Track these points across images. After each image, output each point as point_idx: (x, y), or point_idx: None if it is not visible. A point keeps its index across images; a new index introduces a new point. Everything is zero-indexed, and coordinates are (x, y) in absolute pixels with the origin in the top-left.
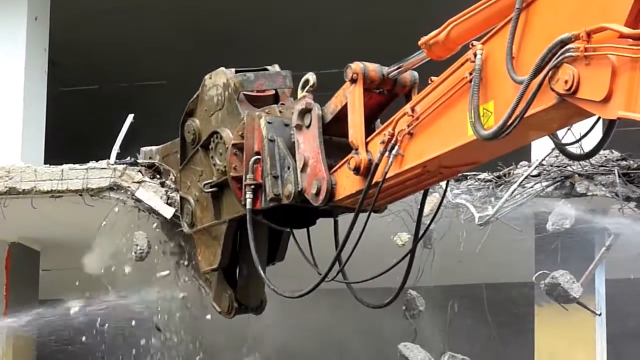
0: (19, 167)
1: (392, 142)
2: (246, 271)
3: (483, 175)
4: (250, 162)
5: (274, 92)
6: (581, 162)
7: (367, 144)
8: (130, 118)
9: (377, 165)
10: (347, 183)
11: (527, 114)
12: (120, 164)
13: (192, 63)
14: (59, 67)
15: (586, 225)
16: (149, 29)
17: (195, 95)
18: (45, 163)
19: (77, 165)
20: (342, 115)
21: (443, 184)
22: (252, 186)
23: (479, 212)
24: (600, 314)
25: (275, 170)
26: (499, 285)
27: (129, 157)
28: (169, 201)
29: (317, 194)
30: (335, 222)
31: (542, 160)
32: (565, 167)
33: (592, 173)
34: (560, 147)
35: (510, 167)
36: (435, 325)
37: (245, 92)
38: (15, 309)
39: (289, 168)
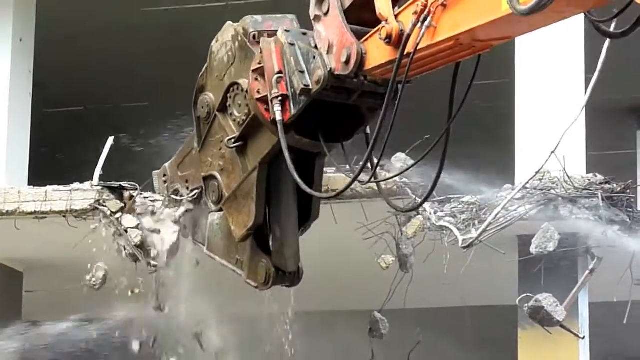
0: (3, 188)
1: (425, 13)
2: (279, 232)
3: (467, 198)
4: (274, 80)
5: None
6: (564, 186)
7: (397, 15)
8: (110, 140)
9: (408, 36)
10: (377, 54)
11: None
12: (103, 186)
13: (176, 84)
14: (44, 88)
15: (570, 248)
16: (133, 51)
17: (203, 69)
18: (29, 184)
19: (61, 187)
20: (360, 1)
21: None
22: (279, 98)
23: (463, 235)
24: (583, 337)
25: (300, 65)
26: (483, 308)
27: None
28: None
29: (347, 61)
30: (362, 118)
31: (526, 183)
32: (548, 190)
33: (576, 196)
34: (596, 24)
35: (494, 190)
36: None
37: (254, 33)
38: None
39: (314, 58)
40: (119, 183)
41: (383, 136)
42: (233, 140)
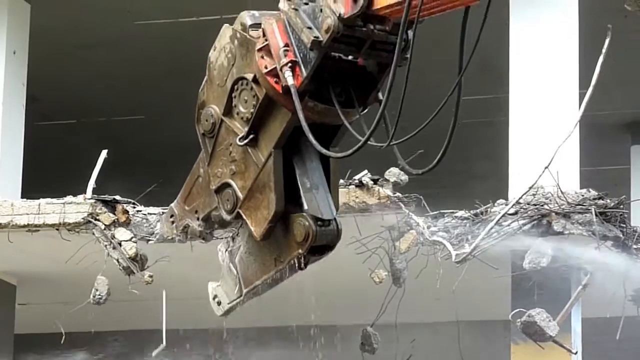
0: None
1: None
2: (309, 182)
3: (460, 213)
4: (280, 52)
5: None
6: (558, 201)
7: None
8: (104, 153)
9: None
10: None
11: None
12: (97, 199)
13: (171, 98)
14: (37, 101)
15: (563, 263)
16: (127, 64)
17: (203, 83)
18: (22, 197)
19: (54, 200)
20: None
21: (421, 221)
22: (289, 65)
23: (456, 250)
24: (576, 353)
25: (307, 23)
26: (475, 323)
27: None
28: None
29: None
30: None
31: (520, 198)
32: (542, 205)
33: (569, 212)
34: None
35: (488, 205)
36: None
37: (253, 25)
38: None
39: (320, 11)
40: (112, 196)
41: (396, 96)
42: (244, 137)
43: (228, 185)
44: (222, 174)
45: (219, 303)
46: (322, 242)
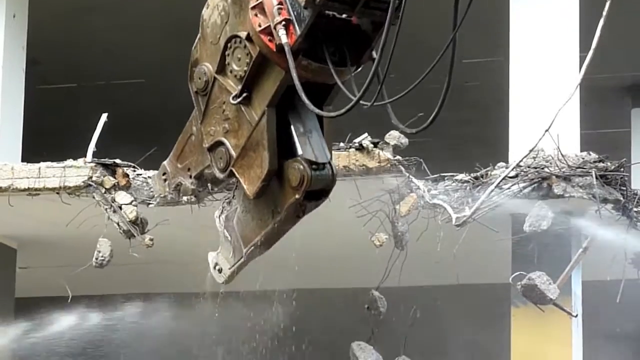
0: None
1: None
2: (302, 127)
3: (460, 176)
4: (274, 10)
5: None
6: (558, 164)
7: None
8: (104, 117)
9: None
10: None
11: None
12: (97, 162)
13: (171, 62)
14: (37, 64)
15: (563, 227)
16: (128, 28)
17: (196, 41)
18: (22, 161)
19: (54, 164)
20: None
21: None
22: (283, 23)
23: (456, 213)
24: (576, 316)
25: None
26: (476, 286)
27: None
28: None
29: None
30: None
31: (520, 161)
32: (542, 168)
33: (570, 175)
34: None
35: (488, 169)
36: (398, 327)
37: None
38: None
39: None
40: (112, 160)
41: (385, 56)
42: (237, 95)
43: (221, 143)
44: (215, 132)
45: (220, 270)
46: (318, 187)
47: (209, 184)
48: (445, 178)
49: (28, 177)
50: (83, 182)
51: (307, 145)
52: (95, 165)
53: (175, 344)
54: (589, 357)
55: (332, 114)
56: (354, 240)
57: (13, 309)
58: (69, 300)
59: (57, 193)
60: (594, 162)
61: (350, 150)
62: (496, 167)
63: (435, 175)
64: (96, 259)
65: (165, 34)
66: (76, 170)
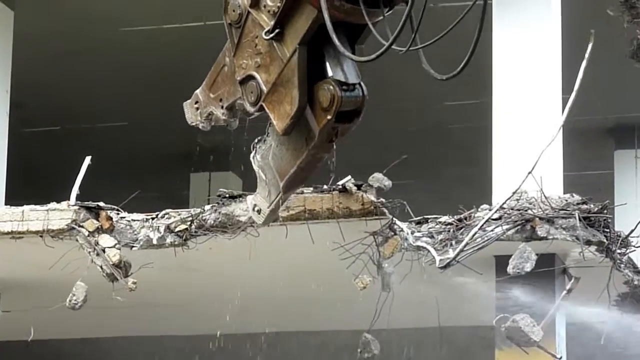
0: None
1: None
2: (332, 50)
3: (444, 219)
4: None
5: None
6: (541, 206)
7: None
8: (87, 160)
9: None
10: None
11: None
12: (80, 205)
13: (155, 104)
14: (21, 108)
15: (547, 269)
16: (111, 71)
17: None
18: (6, 204)
19: (37, 207)
20: None
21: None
22: None
23: (440, 255)
24: (560, 358)
25: None
26: (460, 329)
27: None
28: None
29: None
30: None
31: (503, 203)
32: (525, 210)
33: (553, 217)
34: None
35: (471, 211)
36: None
37: None
38: None
39: None
40: (96, 203)
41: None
42: (269, 30)
43: (252, 77)
44: (247, 65)
45: (258, 212)
46: (349, 107)
47: (239, 114)
48: (429, 220)
49: (12, 220)
50: (66, 225)
51: (338, 66)
52: (78, 209)
53: None
54: None
55: (363, 58)
56: (337, 282)
57: None
58: (28, 345)
59: (41, 236)
60: (577, 204)
61: (334, 192)
62: (479, 209)
63: (419, 218)
64: (70, 301)
65: (149, 77)
66: (59, 213)
